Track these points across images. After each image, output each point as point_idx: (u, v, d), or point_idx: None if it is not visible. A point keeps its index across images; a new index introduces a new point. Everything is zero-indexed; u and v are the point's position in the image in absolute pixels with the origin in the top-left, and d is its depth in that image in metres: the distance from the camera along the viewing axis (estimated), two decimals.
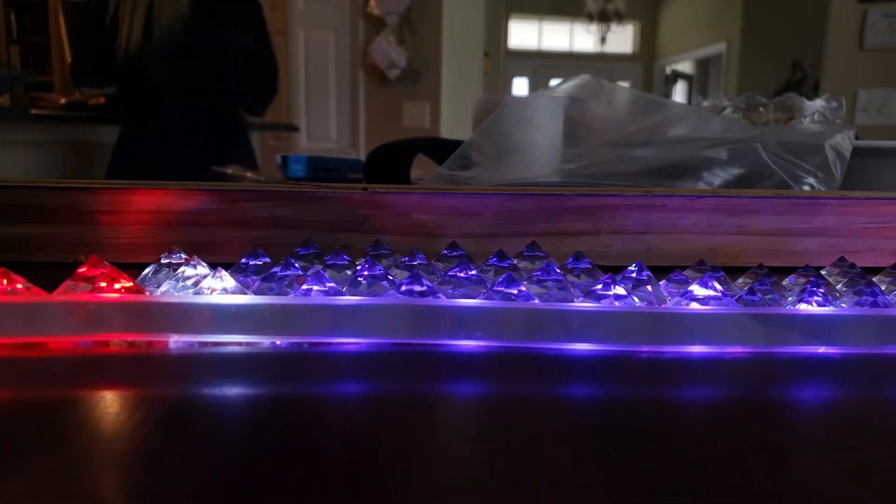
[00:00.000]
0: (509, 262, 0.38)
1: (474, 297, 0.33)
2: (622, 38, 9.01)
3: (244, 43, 1.73)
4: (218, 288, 0.33)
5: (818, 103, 0.80)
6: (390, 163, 0.93)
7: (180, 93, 1.70)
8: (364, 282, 0.34)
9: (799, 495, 0.20)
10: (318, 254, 0.40)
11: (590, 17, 8.71)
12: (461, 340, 0.32)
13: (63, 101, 2.72)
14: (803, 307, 0.33)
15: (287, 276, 0.35)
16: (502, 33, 6.75)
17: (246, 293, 0.33)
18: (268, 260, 0.38)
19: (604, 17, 8.68)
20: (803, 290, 0.34)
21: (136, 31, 1.61)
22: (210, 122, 1.74)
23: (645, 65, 9.19)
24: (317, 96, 3.91)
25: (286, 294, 0.34)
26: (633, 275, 0.36)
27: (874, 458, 0.22)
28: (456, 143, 0.71)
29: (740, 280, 0.39)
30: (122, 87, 1.75)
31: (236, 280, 0.34)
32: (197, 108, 1.72)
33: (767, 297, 0.34)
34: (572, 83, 0.76)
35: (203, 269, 0.35)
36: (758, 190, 0.57)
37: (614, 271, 0.35)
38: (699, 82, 8.30)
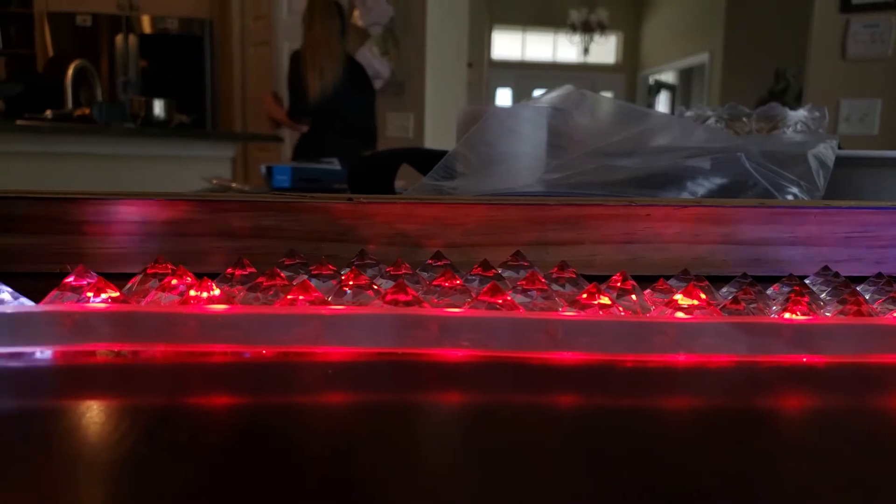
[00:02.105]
0: (494, 271, 0.38)
1: (459, 307, 0.33)
2: (605, 49, 9.06)
3: (360, 104, 3.06)
4: (204, 298, 0.33)
5: (801, 113, 0.80)
6: (375, 173, 0.93)
7: (327, 128, 2.94)
8: (349, 291, 0.34)
9: (785, 502, 0.20)
10: (303, 264, 0.40)
11: (573, 28, 8.77)
12: (446, 349, 0.32)
13: (49, 112, 2.71)
14: (787, 316, 0.34)
15: (272, 285, 0.35)
16: (486, 44, 6.77)
17: (232, 303, 0.33)
18: (253, 270, 0.38)
19: (587, 28, 8.74)
20: (787, 299, 0.35)
21: (313, 91, 2.90)
22: (343, 145, 2.80)
23: (628, 75, 9.25)
24: None
25: (272, 304, 0.33)
26: (618, 284, 0.36)
27: (859, 465, 0.23)
28: (440, 154, 0.71)
29: (724, 289, 0.39)
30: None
31: (222, 290, 0.34)
32: (336, 136, 2.91)
33: (751, 306, 0.34)
34: (556, 94, 0.76)
35: (189, 279, 0.35)
36: (741, 199, 0.57)
37: (599, 281, 0.35)
38: (682, 92, 8.35)
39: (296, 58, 2.98)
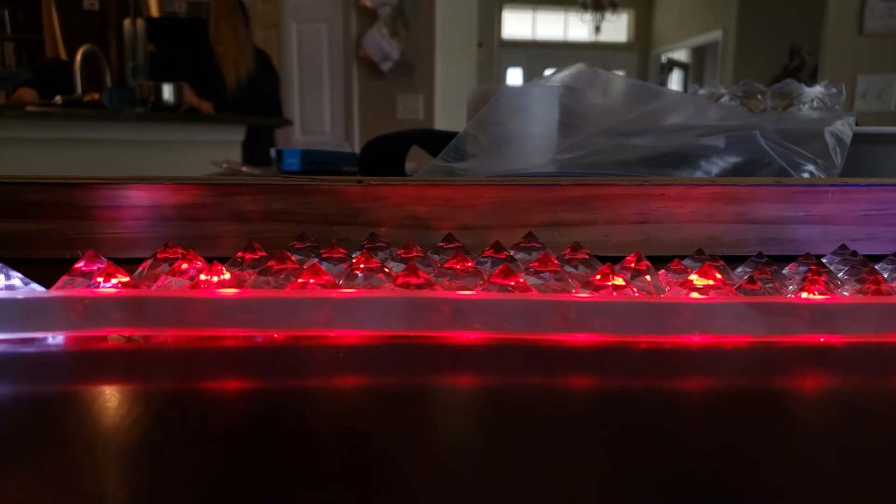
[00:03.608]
0: (506, 253, 0.38)
1: (471, 289, 0.33)
2: (617, 27, 8.99)
3: (269, 91, 3.14)
4: (214, 282, 0.33)
5: (817, 90, 0.79)
6: (385, 155, 0.93)
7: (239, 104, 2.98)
8: (360, 274, 0.34)
9: (802, 484, 0.20)
10: (314, 247, 0.40)
11: (584, 6, 8.69)
12: (458, 332, 0.32)
13: (59, 98, 2.71)
14: (804, 296, 0.33)
15: (283, 269, 0.35)
16: (496, 24, 6.74)
17: (242, 287, 0.33)
18: (264, 254, 0.38)
19: (598, 6, 8.66)
20: (804, 279, 0.34)
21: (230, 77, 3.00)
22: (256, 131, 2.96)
23: (640, 54, 9.18)
24: (310, 90, 3.91)
25: (283, 287, 0.33)
26: (632, 265, 0.36)
27: (877, 446, 0.22)
28: (450, 135, 0.70)
29: (740, 269, 0.38)
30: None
31: (232, 274, 0.34)
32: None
33: (768, 285, 0.34)
34: (567, 72, 0.76)
35: (199, 263, 0.34)
36: (757, 178, 0.57)
37: (612, 261, 0.35)
38: (695, 71, 8.28)
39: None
